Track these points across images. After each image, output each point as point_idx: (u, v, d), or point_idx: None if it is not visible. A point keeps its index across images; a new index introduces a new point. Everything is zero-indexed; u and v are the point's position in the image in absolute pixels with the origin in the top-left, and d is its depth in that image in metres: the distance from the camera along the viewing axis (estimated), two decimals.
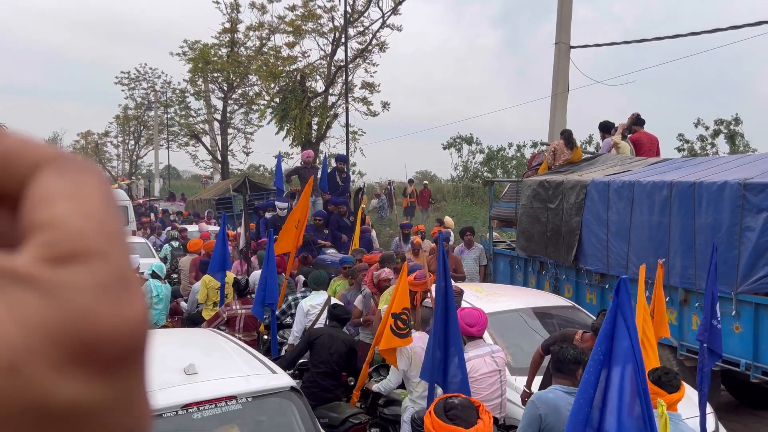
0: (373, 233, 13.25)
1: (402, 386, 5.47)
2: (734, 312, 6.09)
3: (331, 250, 10.82)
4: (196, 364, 3.80)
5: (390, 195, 23.45)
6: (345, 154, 17.82)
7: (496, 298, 6.60)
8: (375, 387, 5.62)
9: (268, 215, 12.31)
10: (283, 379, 3.94)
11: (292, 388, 3.87)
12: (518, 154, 29.18)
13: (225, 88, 32.68)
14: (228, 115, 34.03)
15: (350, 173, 15.95)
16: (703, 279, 5.93)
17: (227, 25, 29.56)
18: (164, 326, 8.75)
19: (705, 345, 4.88)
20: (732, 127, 25.18)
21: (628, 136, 9.94)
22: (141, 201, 28.28)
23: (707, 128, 25.67)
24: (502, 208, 10.93)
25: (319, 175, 12.09)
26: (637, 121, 10.05)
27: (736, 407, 7.36)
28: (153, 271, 8.77)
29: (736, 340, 6.06)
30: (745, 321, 6.04)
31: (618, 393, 2.47)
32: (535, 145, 26.62)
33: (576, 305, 6.96)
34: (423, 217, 20.82)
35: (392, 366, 5.43)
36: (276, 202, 12.11)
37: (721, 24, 23.72)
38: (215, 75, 31.81)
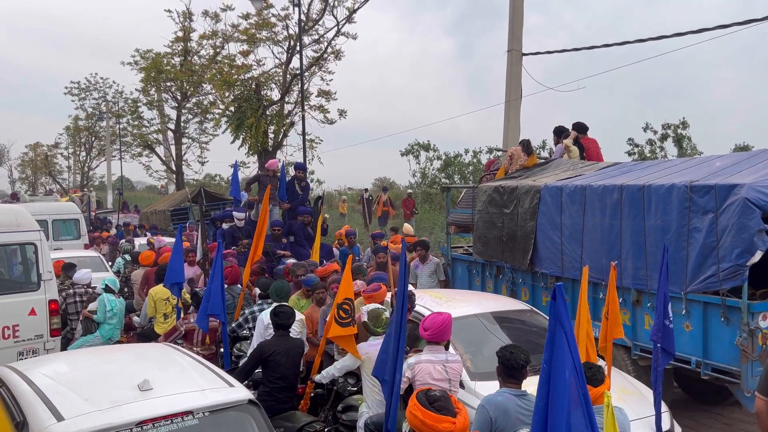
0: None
1: (360, 392, 5.48)
2: (684, 311, 6.25)
3: (291, 260, 10.71)
4: (150, 380, 3.70)
5: (368, 203, 23.18)
6: (303, 162, 17.68)
7: (455, 303, 6.62)
8: (317, 378, 5.75)
9: (225, 226, 12.11)
10: (240, 392, 3.86)
11: (250, 401, 3.80)
12: (474, 160, 29.54)
13: (179, 97, 32.19)
14: (182, 124, 33.52)
15: (309, 182, 15.83)
16: (654, 279, 6.08)
17: (180, 34, 29.17)
18: (119, 341, 8.51)
19: (659, 345, 4.99)
20: (679, 130, 26.01)
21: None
22: (92, 213, 27.48)
23: (655, 132, 26.48)
24: (459, 213, 11.01)
25: (278, 184, 11.98)
26: (580, 129, 10.34)
27: (688, 403, 7.57)
28: (106, 285, 8.53)
29: (687, 339, 6.22)
30: (694, 320, 6.20)
31: (563, 399, 2.51)
32: (490, 150, 27.00)
33: (533, 308, 7.06)
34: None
35: (340, 359, 5.65)
36: (234, 213, 11.94)
37: (666, 31, 24.53)
38: (168, 84, 31.32)
